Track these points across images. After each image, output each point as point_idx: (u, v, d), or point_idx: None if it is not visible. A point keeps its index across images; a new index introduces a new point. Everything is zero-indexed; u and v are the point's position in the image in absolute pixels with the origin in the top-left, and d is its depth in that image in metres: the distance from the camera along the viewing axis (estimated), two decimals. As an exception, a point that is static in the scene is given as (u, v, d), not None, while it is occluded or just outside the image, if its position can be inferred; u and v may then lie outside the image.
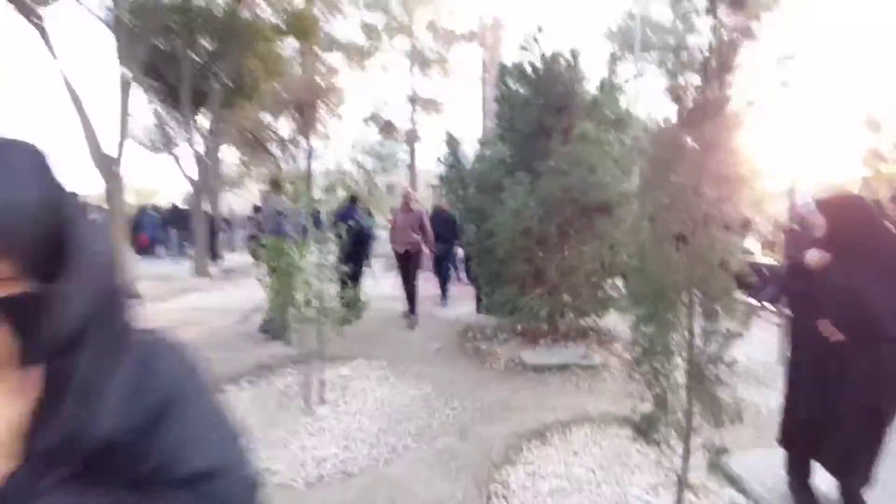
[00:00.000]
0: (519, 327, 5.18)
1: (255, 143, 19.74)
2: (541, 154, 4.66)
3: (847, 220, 2.13)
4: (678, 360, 2.19)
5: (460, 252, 7.77)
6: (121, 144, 7.35)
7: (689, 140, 2.10)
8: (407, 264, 5.95)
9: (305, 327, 3.43)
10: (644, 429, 2.20)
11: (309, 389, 3.42)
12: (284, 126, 22.33)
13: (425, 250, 6.21)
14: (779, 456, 2.44)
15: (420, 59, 20.57)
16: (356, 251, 6.06)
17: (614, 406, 3.55)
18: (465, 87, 21.04)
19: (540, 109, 4.73)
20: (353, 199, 6.02)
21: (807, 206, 4.69)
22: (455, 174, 4.82)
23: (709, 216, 2.07)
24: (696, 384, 2.12)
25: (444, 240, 6.65)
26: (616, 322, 5.57)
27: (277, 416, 3.30)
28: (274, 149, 22.61)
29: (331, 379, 3.95)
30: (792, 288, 2.45)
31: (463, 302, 7.33)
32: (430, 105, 20.65)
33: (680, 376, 2.25)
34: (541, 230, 4.39)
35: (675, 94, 2.23)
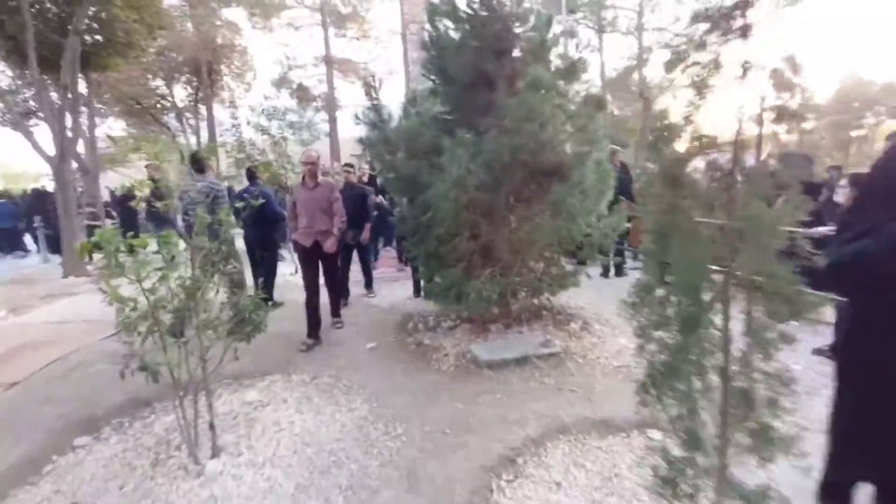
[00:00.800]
0: (466, 313, 4.50)
1: (141, 113, 16.99)
2: (482, 108, 3.88)
3: None
4: (712, 377, 1.57)
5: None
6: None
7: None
8: (316, 262, 4.25)
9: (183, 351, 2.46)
10: (671, 479, 1.58)
11: (195, 436, 2.49)
12: (182, 94, 19.54)
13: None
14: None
15: (334, 16, 18.64)
16: (262, 236, 4.97)
17: (588, 405, 2.99)
18: (385, 46, 19.54)
19: (477, 53, 3.90)
20: (251, 175, 4.85)
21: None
22: (379, 135, 3.88)
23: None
24: (741, 409, 1.52)
25: (355, 223, 5.20)
26: (568, 298, 5.09)
27: (147, 482, 2.35)
28: (172, 120, 19.78)
29: (232, 410, 3.01)
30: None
31: (397, 286, 6.53)
32: (348, 66, 18.93)
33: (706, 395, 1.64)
34: (488, 201, 3.65)
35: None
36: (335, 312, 4.72)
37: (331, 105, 19.18)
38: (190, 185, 4.48)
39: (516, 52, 3.97)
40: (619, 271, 6.34)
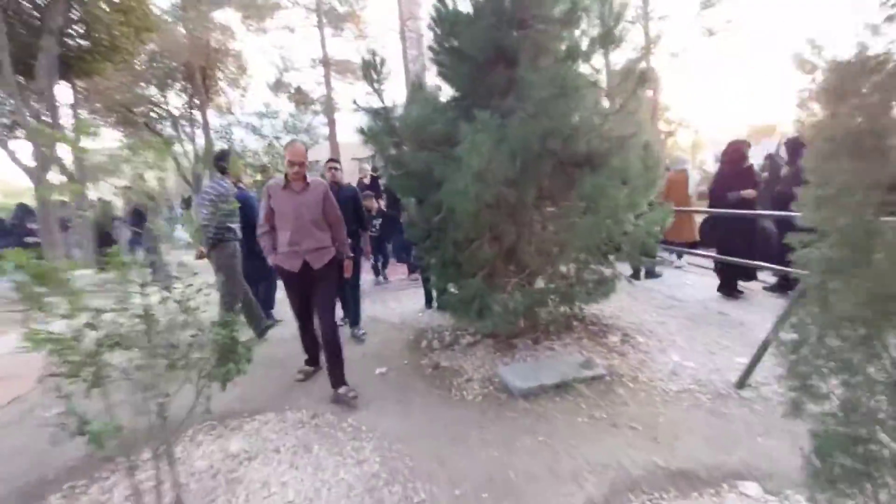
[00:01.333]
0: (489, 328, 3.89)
1: (135, 122, 16.49)
2: (502, 88, 3.29)
3: None
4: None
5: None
6: None
7: None
8: (307, 291, 3.23)
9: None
10: None
11: (158, 513, 1.90)
12: (176, 101, 19.03)
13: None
14: None
15: (330, 16, 18.07)
16: (248, 245, 4.36)
17: (656, 448, 2.38)
18: (383, 46, 19.00)
19: (495, 25, 3.31)
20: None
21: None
22: (383, 125, 3.29)
23: None
24: None
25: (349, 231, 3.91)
26: (600, 305, 4.47)
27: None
28: (168, 128, 19.26)
29: (212, 466, 2.42)
30: None
31: (406, 296, 5.93)
32: (346, 68, 18.37)
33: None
34: (514, 197, 3.05)
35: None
36: (338, 380, 3.13)
37: (329, 107, 18.60)
38: (212, 188, 4.09)
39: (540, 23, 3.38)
40: (651, 272, 5.73)
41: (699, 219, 6.43)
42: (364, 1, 18.28)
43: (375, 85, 3.19)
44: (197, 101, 17.66)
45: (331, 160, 4.63)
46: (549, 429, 2.61)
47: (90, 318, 1.78)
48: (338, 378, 3.13)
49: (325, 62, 18.21)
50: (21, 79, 8.61)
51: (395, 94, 3.65)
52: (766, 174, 6.53)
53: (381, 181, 7.23)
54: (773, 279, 5.14)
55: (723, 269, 5.03)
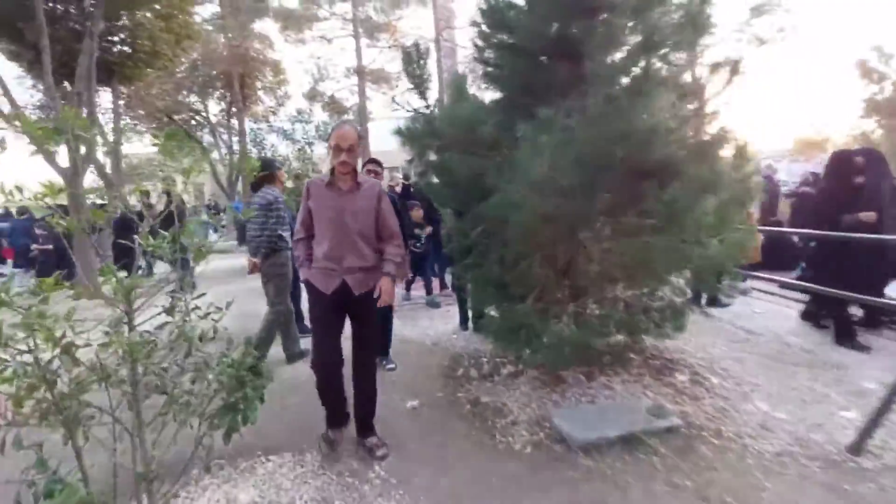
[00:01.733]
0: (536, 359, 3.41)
1: (172, 126, 16.84)
2: (564, 85, 2.85)
3: None
4: None
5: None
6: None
7: None
8: (341, 321, 2.51)
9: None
10: None
11: None
12: (215, 108, 19.45)
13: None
14: None
15: (366, 26, 18.13)
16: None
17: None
18: (419, 57, 18.89)
19: (553, 17, 2.89)
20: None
21: None
22: (424, 126, 2.88)
23: None
24: None
25: None
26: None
27: None
28: (206, 135, 19.67)
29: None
30: None
31: (439, 314, 5.49)
32: (380, 77, 18.35)
33: None
34: (576, 211, 2.59)
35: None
36: (367, 428, 2.60)
37: (363, 116, 18.58)
38: (262, 196, 3.80)
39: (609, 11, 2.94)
40: (716, 300, 5.10)
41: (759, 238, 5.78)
42: (400, 11, 18.29)
43: (417, 80, 2.80)
44: (234, 109, 17.95)
45: (371, 161, 3.75)
46: (622, 499, 2.11)
47: (66, 350, 1.42)
48: (367, 426, 2.59)
49: (360, 71, 18.24)
50: (67, 86, 8.77)
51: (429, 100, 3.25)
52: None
53: (412, 190, 6.85)
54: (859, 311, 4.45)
55: (839, 314, 4.12)
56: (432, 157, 3.23)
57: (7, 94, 6.44)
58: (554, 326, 2.84)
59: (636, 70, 2.92)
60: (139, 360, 1.48)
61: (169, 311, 1.75)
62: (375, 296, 2.43)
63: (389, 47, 18.38)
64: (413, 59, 2.74)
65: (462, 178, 2.80)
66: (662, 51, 2.83)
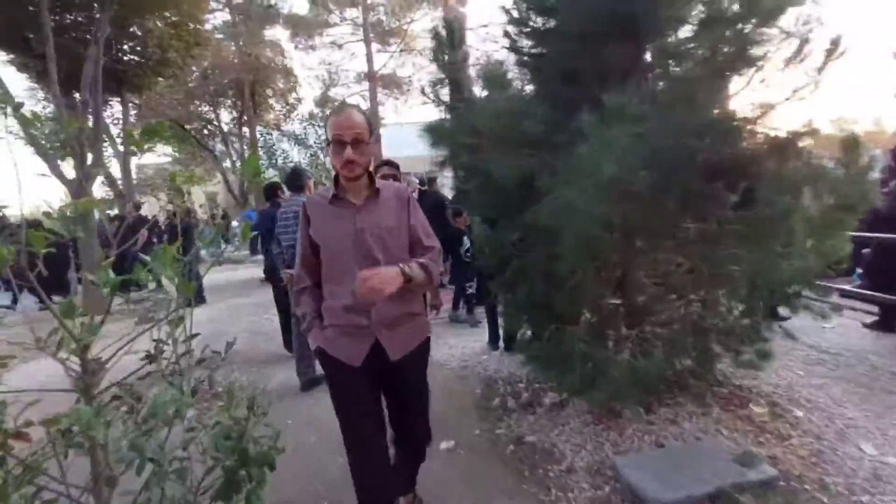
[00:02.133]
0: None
1: (187, 138, 16.73)
2: (621, 69, 2.41)
3: None
4: None
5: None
6: None
7: None
8: (377, 400, 1.74)
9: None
10: None
11: None
12: (226, 117, 19.36)
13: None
14: None
15: (377, 30, 17.90)
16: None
17: None
18: (428, 61, 18.61)
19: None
20: (270, 193, 3.55)
21: None
22: (460, 120, 2.45)
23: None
24: None
25: None
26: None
27: None
28: (218, 144, 19.56)
29: None
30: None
31: (466, 330, 5.03)
32: (391, 81, 18.08)
33: None
34: (647, 217, 2.15)
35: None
36: (408, 484, 2.03)
37: (375, 122, 18.35)
38: (288, 205, 3.59)
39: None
40: (774, 313, 4.57)
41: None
42: (411, 14, 18.03)
43: (447, 64, 2.38)
44: (245, 118, 17.82)
45: (385, 163, 3.04)
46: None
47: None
48: (409, 482, 2.03)
49: (371, 76, 18.00)
50: (77, 96, 8.57)
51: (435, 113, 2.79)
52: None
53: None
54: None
55: None
56: (463, 158, 2.80)
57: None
58: (615, 354, 2.39)
59: (702, 52, 2.48)
60: (98, 439, 1.07)
61: (153, 357, 1.35)
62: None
63: (400, 52, 18.13)
64: (443, 42, 2.32)
65: (505, 180, 2.38)
66: (736, 26, 2.37)
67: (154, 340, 1.37)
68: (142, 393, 1.35)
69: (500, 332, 4.23)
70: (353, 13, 18.04)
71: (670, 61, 2.42)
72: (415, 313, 1.72)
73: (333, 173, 1.69)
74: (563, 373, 2.62)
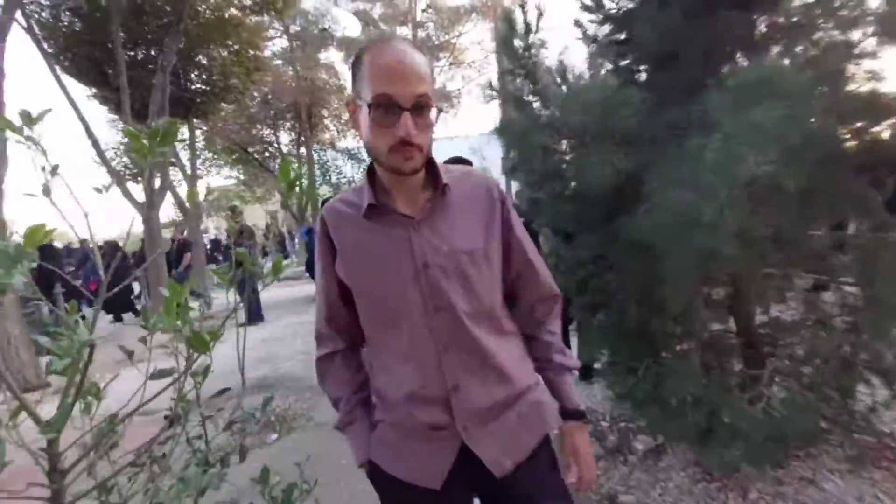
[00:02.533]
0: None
1: (248, 159, 17.52)
2: (736, 42, 1.95)
3: None
4: None
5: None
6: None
7: None
8: None
9: None
10: None
11: None
12: (285, 139, 20.17)
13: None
14: None
15: (426, 45, 18.05)
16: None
17: None
18: (479, 70, 18.49)
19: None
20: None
21: None
22: (535, 116, 2.06)
23: None
24: None
25: None
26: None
27: None
28: (279, 164, 20.36)
29: None
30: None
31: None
32: (442, 96, 18.07)
33: None
34: (790, 228, 1.66)
35: None
36: None
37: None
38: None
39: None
40: None
41: None
42: (459, 28, 18.03)
43: (522, 52, 2.01)
44: (303, 138, 18.44)
45: (455, 161, 2.32)
46: None
47: None
48: None
49: (422, 92, 18.09)
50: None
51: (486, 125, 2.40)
52: None
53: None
54: None
55: None
56: (538, 164, 2.41)
57: (77, 111, 6.59)
58: (741, 400, 1.88)
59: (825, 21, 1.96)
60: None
61: (172, 420, 1.08)
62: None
63: (450, 65, 18.12)
64: (513, 29, 1.97)
65: (591, 185, 1.96)
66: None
67: (173, 399, 1.10)
68: (161, 460, 1.08)
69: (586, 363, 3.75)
70: (404, 31, 18.31)
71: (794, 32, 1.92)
72: (523, 390, 0.97)
73: (367, 163, 0.98)
74: (669, 418, 2.14)
